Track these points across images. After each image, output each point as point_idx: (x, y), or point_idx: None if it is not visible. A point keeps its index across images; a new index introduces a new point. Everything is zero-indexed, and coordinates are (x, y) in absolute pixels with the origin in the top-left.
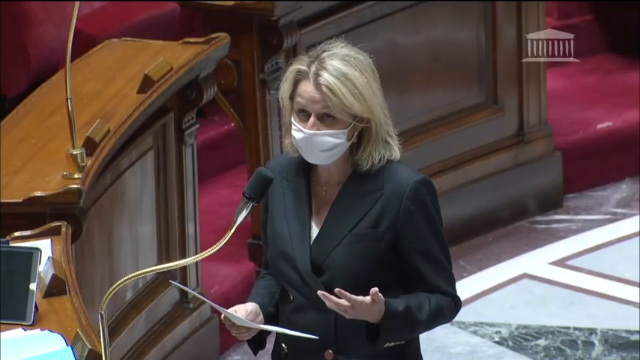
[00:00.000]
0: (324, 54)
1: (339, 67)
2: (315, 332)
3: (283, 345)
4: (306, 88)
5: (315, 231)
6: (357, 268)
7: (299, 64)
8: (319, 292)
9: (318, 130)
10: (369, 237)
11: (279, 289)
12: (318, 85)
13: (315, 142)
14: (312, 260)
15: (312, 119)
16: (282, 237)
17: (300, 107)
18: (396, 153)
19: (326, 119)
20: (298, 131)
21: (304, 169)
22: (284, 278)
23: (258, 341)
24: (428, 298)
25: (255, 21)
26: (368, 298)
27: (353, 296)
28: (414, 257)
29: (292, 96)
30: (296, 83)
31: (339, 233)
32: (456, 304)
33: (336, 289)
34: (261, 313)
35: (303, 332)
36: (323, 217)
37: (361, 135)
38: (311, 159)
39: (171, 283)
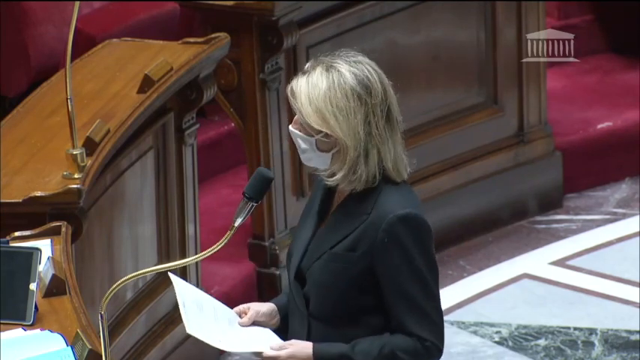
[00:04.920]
0: (328, 58)
1: (316, 75)
2: (297, 336)
3: None
4: None
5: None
6: (327, 285)
7: (314, 60)
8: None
9: (294, 129)
10: (342, 259)
11: None
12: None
13: (294, 138)
14: (299, 268)
15: (295, 117)
16: (294, 237)
17: None
18: (393, 175)
19: (298, 121)
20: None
21: None
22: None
23: None
24: (383, 343)
25: (255, 21)
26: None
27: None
28: (386, 291)
29: None
30: None
31: (321, 248)
32: (424, 347)
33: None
34: (278, 314)
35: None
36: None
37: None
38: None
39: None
